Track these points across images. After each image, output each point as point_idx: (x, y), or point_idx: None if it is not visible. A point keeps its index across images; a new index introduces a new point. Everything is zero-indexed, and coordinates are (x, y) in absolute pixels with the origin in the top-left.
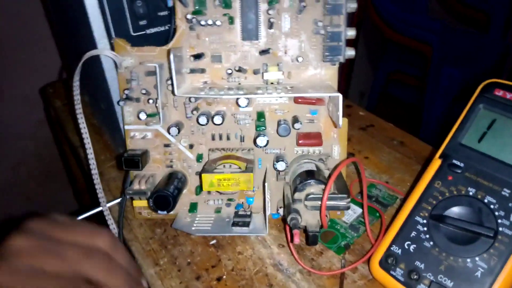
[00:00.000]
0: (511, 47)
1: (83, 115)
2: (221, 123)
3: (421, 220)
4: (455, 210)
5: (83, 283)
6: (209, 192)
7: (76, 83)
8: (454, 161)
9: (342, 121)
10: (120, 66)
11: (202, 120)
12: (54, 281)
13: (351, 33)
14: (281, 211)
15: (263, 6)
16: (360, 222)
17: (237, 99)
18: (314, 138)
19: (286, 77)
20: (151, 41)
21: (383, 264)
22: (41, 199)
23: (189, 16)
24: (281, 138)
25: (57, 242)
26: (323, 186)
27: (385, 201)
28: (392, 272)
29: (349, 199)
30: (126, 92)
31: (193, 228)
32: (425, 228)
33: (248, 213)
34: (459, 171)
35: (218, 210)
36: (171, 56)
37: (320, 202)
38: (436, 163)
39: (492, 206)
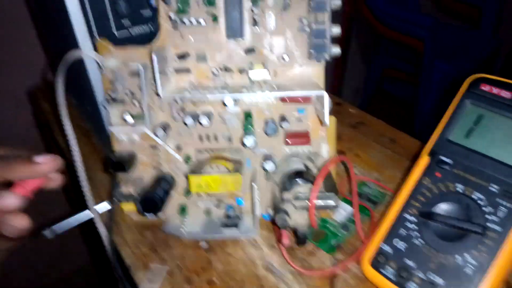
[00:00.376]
0: (502, 42)
1: (70, 117)
2: (208, 124)
3: (410, 218)
4: (443, 207)
5: None
6: (198, 194)
7: (59, 86)
8: (442, 158)
9: (328, 119)
10: (103, 67)
11: (189, 121)
12: None
13: (336, 30)
14: (271, 211)
15: (247, 4)
16: (351, 220)
17: (224, 98)
18: (302, 137)
19: (272, 76)
20: (135, 41)
21: (374, 263)
22: (34, 203)
23: (172, 15)
24: (269, 138)
25: None
26: (311, 186)
27: (376, 198)
28: (382, 271)
29: (337, 198)
30: (110, 93)
31: (182, 231)
32: (415, 226)
33: (238, 214)
34: (447, 167)
35: (207, 212)
36: (154, 56)
37: (308, 202)
38: (424, 160)
39: (480, 202)
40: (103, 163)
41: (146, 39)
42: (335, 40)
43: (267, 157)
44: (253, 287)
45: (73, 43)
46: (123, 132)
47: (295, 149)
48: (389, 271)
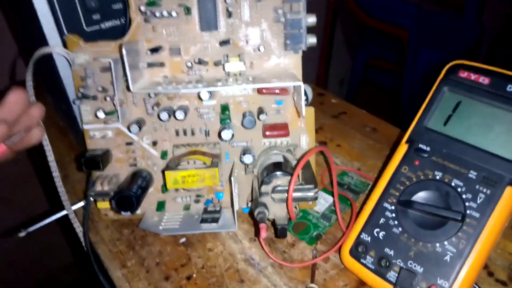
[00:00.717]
0: (486, 28)
1: (46, 115)
2: (184, 118)
3: (389, 207)
4: (422, 195)
5: None
6: (176, 190)
7: (29, 83)
8: (420, 146)
9: (306, 110)
10: (73, 63)
11: (164, 116)
12: None
13: (312, 20)
14: (251, 204)
15: None
16: (332, 211)
17: (199, 92)
18: (280, 129)
19: (248, 68)
20: (106, 36)
21: (353, 252)
22: (18, 201)
23: (143, 8)
24: (247, 131)
25: None
26: (290, 178)
27: (357, 188)
28: (362, 260)
29: (316, 190)
30: (81, 90)
31: (160, 228)
32: (394, 215)
33: (218, 208)
34: (425, 155)
35: (186, 207)
36: (124, 51)
37: (287, 194)
38: (402, 148)
39: (459, 189)
40: (76, 161)
41: (117, 33)
42: (311, 29)
43: (245, 150)
44: (232, 281)
45: (43, 40)
46: (97, 129)
47: (274, 141)
48: (369, 260)
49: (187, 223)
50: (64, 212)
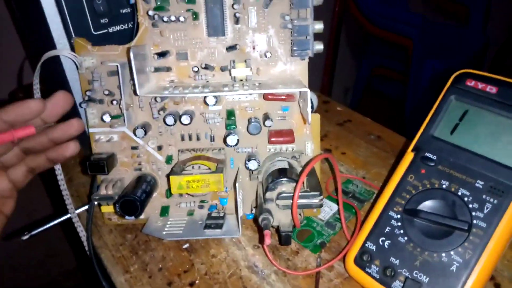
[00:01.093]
0: (491, 38)
1: None
2: (189, 123)
3: (395, 215)
4: (428, 204)
5: None
6: (180, 195)
7: (36, 87)
8: (427, 154)
9: (311, 117)
10: (80, 67)
11: (169, 120)
12: None
13: (319, 26)
14: (255, 211)
15: (228, 1)
16: (337, 219)
17: (205, 97)
18: (286, 135)
19: (255, 74)
20: (114, 40)
21: (358, 261)
22: (22, 204)
23: (151, 13)
24: (252, 137)
25: None
26: (295, 184)
27: (362, 196)
28: (367, 269)
29: (321, 197)
30: (88, 93)
31: (164, 233)
32: (399, 223)
33: (222, 214)
34: (432, 164)
35: (190, 213)
36: (131, 55)
37: (291, 201)
38: (408, 157)
39: (465, 199)
40: (81, 164)
41: (125, 37)
42: (318, 36)
43: (250, 156)
44: None
45: (50, 44)
46: (102, 133)
47: (279, 147)
48: (374, 269)
49: (190, 229)
50: (67, 216)
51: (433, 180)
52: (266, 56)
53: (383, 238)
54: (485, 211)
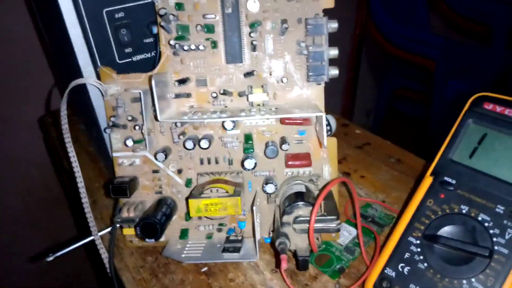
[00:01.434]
0: None
1: (79, 142)
2: (208, 147)
3: (414, 241)
4: (448, 229)
5: None
6: (199, 218)
7: (63, 113)
8: (446, 178)
9: (327, 140)
10: (105, 94)
11: (189, 144)
12: None
13: (333, 52)
14: (272, 234)
15: (246, 29)
16: (356, 244)
17: (223, 122)
18: (303, 159)
19: (272, 98)
20: (137, 68)
21: (377, 287)
22: (47, 226)
23: (172, 42)
24: (270, 160)
25: None
26: (311, 208)
27: (382, 221)
28: None
29: (338, 221)
30: (112, 119)
31: (183, 256)
32: (419, 249)
33: (240, 238)
34: (451, 188)
35: (209, 236)
36: (153, 83)
37: (308, 225)
38: (427, 181)
39: (486, 224)
40: (104, 187)
41: (148, 65)
42: (334, 61)
43: (268, 180)
44: None
45: (77, 72)
46: (125, 157)
47: (296, 171)
48: None
49: (209, 252)
50: (91, 238)
51: (453, 205)
52: (282, 82)
53: (403, 264)
54: (507, 237)
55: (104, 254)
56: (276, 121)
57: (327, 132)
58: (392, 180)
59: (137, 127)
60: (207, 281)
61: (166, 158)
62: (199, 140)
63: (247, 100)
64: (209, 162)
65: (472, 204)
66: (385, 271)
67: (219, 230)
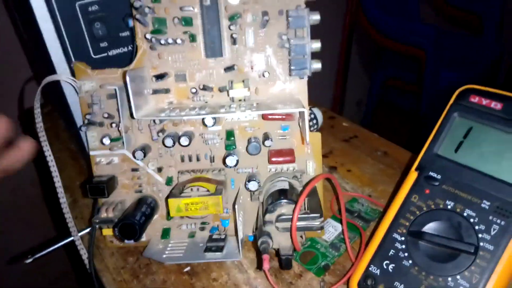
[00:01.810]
0: (505, 48)
1: (59, 140)
2: (188, 144)
3: (399, 238)
4: (433, 226)
5: None
6: (181, 217)
7: (37, 111)
8: (431, 173)
9: (311, 135)
10: (79, 91)
11: (168, 142)
12: None
13: (316, 45)
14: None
15: (225, 22)
16: (342, 239)
17: (203, 118)
18: (286, 155)
19: (253, 93)
20: (114, 63)
21: (362, 285)
22: (37, 223)
23: (148, 36)
24: (252, 157)
25: None
26: (294, 206)
27: (368, 216)
28: None
29: (322, 219)
30: (88, 116)
31: (164, 256)
32: (404, 246)
33: (223, 236)
34: (436, 183)
35: (192, 235)
36: (127, 78)
37: (291, 223)
38: (412, 176)
39: (471, 220)
40: (81, 187)
41: (125, 60)
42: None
43: (251, 177)
44: None
45: (51, 68)
46: (103, 155)
47: (280, 167)
48: None
49: (191, 252)
50: (70, 239)
51: (438, 201)
52: (264, 76)
53: (387, 262)
54: (492, 233)
55: (85, 255)
56: (259, 116)
57: (313, 126)
58: (378, 173)
59: (114, 125)
60: (190, 281)
61: (145, 156)
62: (179, 137)
63: (228, 95)
64: (190, 160)
65: (458, 199)
66: (370, 268)
67: (202, 228)
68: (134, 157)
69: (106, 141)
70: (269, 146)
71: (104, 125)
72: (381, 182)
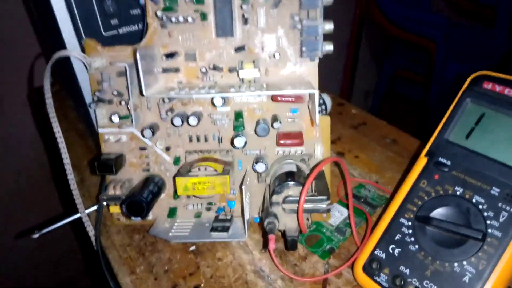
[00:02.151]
0: None
1: (67, 119)
2: (197, 124)
3: (406, 222)
4: (441, 211)
5: None
6: (188, 196)
7: (46, 87)
8: (441, 159)
9: (321, 119)
10: (90, 67)
11: (177, 121)
12: None
13: (329, 26)
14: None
15: (237, 1)
16: (347, 224)
17: (212, 98)
18: (294, 138)
19: (263, 75)
20: (124, 41)
21: (367, 269)
22: (41, 205)
23: (159, 13)
24: (260, 139)
25: None
26: (301, 188)
27: (374, 202)
28: (376, 278)
29: (329, 201)
30: (97, 94)
31: (170, 234)
32: (410, 231)
33: (229, 217)
34: (445, 169)
35: (198, 215)
36: (138, 56)
37: (298, 205)
38: (421, 161)
39: (480, 207)
40: (89, 164)
41: (135, 38)
42: (330, 38)
43: (258, 159)
44: None
45: (62, 45)
46: (111, 133)
47: (288, 150)
48: (383, 278)
49: (197, 231)
50: (77, 215)
51: (447, 186)
52: (275, 57)
53: (393, 246)
54: (501, 220)
55: (91, 232)
56: (268, 98)
57: (321, 112)
58: (386, 161)
59: (123, 103)
60: (195, 260)
61: (153, 135)
62: (188, 117)
63: (238, 76)
64: (198, 140)
65: (467, 185)
66: (375, 252)
67: (208, 209)
68: (143, 135)
69: (115, 118)
70: (278, 128)
71: (113, 102)
72: (389, 169)
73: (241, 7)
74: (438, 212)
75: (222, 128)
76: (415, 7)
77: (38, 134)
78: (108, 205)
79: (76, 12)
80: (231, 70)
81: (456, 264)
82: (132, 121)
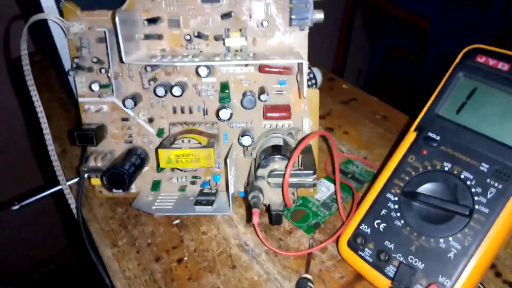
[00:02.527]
0: None
1: (50, 89)
2: (181, 95)
3: (392, 198)
4: (428, 187)
5: None
6: (172, 170)
7: (23, 52)
8: (430, 134)
9: (309, 92)
10: (68, 33)
11: (160, 91)
12: None
13: None
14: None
15: None
16: (334, 200)
17: (197, 68)
18: (282, 111)
19: (251, 44)
20: (105, 5)
21: (351, 244)
22: (30, 177)
23: None
24: (247, 111)
25: None
26: (287, 162)
27: (362, 177)
28: (360, 253)
29: (315, 176)
30: (76, 60)
31: (153, 208)
32: (396, 206)
33: (214, 191)
34: (434, 144)
35: (182, 188)
36: (117, 20)
37: (283, 179)
38: (410, 136)
39: (468, 183)
40: (68, 135)
41: (116, 1)
42: (318, 5)
43: (244, 132)
44: (224, 266)
45: (38, 8)
46: (91, 103)
47: (275, 123)
48: (367, 253)
49: (181, 205)
50: (58, 187)
51: (435, 162)
52: (263, 25)
53: (379, 221)
54: (489, 196)
55: (73, 204)
56: (255, 69)
57: (311, 86)
58: (376, 137)
59: (103, 71)
60: (179, 233)
61: (135, 105)
62: (171, 87)
63: (224, 44)
64: (182, 111)
65: (456, 161)
66: (360, 227)
67: (193, 183)
68: (124, 105)
69: (95, 87)
70: (265, 100)
71: (93, 70)
72: (378, 145)
73: None
74: (425, 188)
75: (207, 100)
76: None
77: (18, 103)
78: (89, 177)
79: None
80: (217, 38)
81: (441, 240)
82: (113, 90)
